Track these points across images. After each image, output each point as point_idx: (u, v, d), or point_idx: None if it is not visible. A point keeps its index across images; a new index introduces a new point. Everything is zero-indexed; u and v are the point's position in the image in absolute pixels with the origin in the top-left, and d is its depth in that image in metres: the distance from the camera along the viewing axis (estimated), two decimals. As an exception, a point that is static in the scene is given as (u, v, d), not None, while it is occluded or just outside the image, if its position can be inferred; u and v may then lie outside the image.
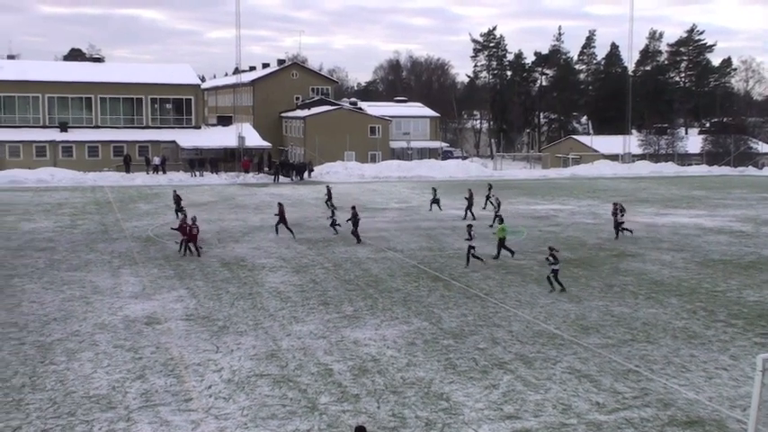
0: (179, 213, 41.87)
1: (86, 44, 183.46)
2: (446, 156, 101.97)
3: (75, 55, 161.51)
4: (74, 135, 77.32)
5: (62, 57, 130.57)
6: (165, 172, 73.10)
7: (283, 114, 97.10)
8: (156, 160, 74.67)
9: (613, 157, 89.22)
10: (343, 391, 17.92)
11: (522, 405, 17.09)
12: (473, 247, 32.01)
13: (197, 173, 73.11)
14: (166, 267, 31.84)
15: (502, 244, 33.51)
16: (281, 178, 71.17)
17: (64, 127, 78.04)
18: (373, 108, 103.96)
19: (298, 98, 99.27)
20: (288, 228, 39.21)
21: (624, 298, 26.90)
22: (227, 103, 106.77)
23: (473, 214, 45.18)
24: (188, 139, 78.55)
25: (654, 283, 29.31)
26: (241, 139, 76.32)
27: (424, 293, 27.48)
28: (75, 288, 28.03)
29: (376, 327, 23.19)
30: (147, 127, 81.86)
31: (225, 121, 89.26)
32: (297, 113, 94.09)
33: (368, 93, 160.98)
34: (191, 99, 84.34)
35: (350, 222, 37.86)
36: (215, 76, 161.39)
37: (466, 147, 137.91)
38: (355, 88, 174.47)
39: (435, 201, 49.60)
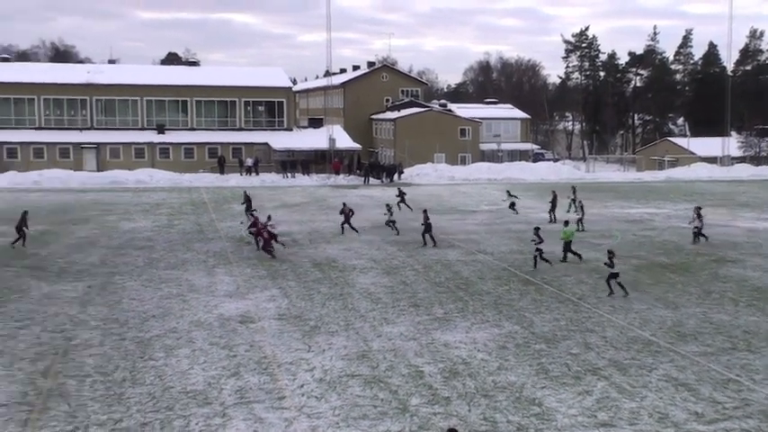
0: (249, 214, 42.45)
1: (183, 48, 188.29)
2: (537, 158, 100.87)
3: (171, 59, 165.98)
4: (170, 137, 79.41)
5: (159, 61, 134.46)
6: (257, 173, 74.38)
7: (373, 116, 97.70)
8: (249, 162, 76.02)
9: (711, 160, 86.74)
10: (434, 393, 17.91)
11: (616, 412, 16.75)
12: (541, 250, 31.78)
13: (289, 174, 74.15)
14: (259, 267, 32.39)
15: (568, 247, 33.22)
16: (371, 180, 71.57)
17: (161, 129, 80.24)
18: (463, 110, 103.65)
19: (388, 100, 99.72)
20: (352, 227, 40.30)
21: (723, 305, 26.09)
22: (318, 105, 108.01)
23: (555, 217, 44.69)
24: (280, 140, 79.76)
25: (755, 289, 28.35)
26: (332, 140, 77.11)
27: (516, 297, 27.23)
28: (172, 286, 28.78)
29: (467, 330, 23.09)
30: (241, 129, 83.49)
31: (316, 123, 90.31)
32: (387, 115, 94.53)
33: (458, 94, 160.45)
34: (283, 101, 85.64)
35: (422, 225, 37.70)
36: (306, 79, 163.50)
37: (557, 149, 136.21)
38: (445, 90, 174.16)
39: (511, 204, 49.62)
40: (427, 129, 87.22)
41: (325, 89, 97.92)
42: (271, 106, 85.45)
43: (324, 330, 23.04)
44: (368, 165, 76.32)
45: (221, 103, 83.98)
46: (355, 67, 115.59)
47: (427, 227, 37.49)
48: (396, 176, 74.04)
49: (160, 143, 78.47)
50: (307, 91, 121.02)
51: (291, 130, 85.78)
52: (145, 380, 18.73)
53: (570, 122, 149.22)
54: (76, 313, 24.80)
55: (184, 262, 33.43)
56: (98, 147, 76.81)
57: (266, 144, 79.07)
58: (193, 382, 18.57)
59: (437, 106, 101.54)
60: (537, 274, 30.82)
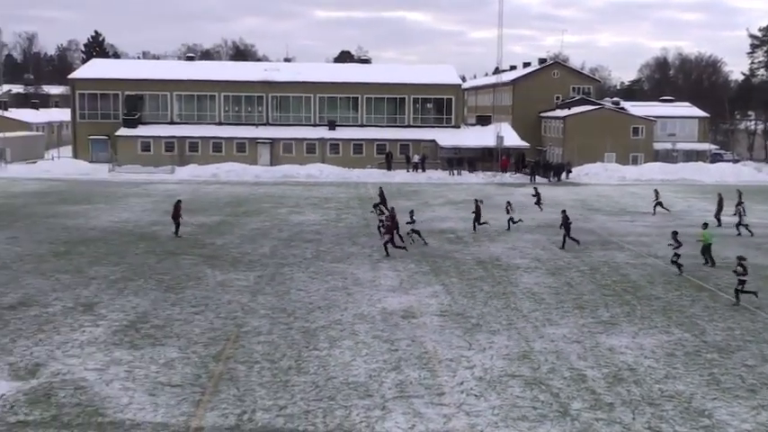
0: (378, 208, 42.99)
1: (355, 46, 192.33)
2: (715, 158, 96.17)
3: (344, 57, 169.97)
4: (341, 133, 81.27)
5: (333, 59, 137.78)
6: (424, 170, 74.90)
7: (542, 114, 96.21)
8: (416, 158, 76.67)
9: None
10: (596, 398, 17.45)
11: (794, 430, 15.76)
12: (678, 255, 30.61)
13: (455, 171, 74.23)
14: (423, 263, 32.61)
15: (708, 250, 32.10)
16: (538, 178, 70.54)
17: (332, 125, 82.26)
18: (637, 108, 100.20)
19: (558, 98, 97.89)
20: (480, 223, 40.70)
21: None
22: (486, 102, 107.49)
23: (720, 221, 42.62)
24: (447, 138, 79.98)
25: None
26: (499, 138, 76.55)
27: (687, 303, 26.10)
28: (337, 279, 29.46)
29: (633, 335, 22.36)
30: (409, 126, 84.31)
31: (484, 120, 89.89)
32: (556, 113, 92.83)
33: (631, 92, 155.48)
34: (451, 99, 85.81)
35: (561, 227, 36.67)
36: (475, 76, 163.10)
37: (738, 149, 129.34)
38: (618, 87, 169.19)
39: (658, 203, 47.86)
40: (598, 127, 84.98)
41: (494, 86, 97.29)
42: (439, 103, 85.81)
43: (485, 329, 22.92)
44: (534, 163, 75.26)
45: (391, 100, 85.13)
46: (526, 64, 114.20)
47: (567, 227, 36.51)
48: (564, 175, 72.65)
49: (331, 139, 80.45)
50: (476, 88, 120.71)
51: (459, 127, 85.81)
52: (309, 369, 19.26)
53: (753, 122, 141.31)
54: (247, 301, 25.84)
55: (350, 255, 34.13)
56: (272, 142, 79.68)
57: (433, 141, 79.50)
58: (355, 374, 18.93)
59: (609, 104, 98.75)
60: (710, 280, 29.44)
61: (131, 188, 60.16)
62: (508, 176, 72.44)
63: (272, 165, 77.15)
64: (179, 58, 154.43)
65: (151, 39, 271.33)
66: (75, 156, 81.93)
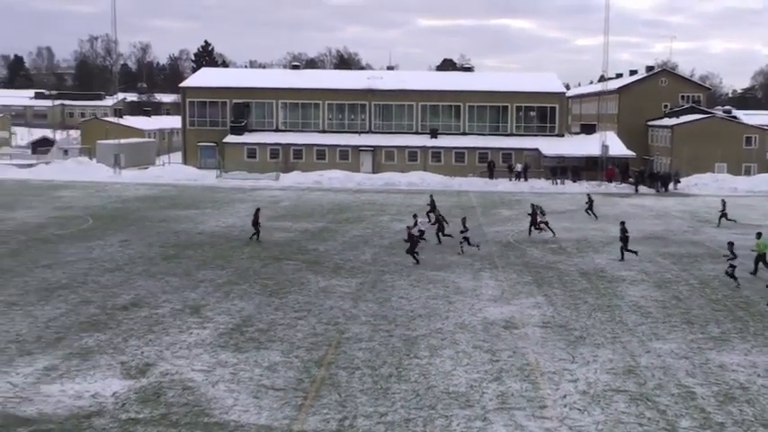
0: (427, 215, 43.04)
1: (458, 55, 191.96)
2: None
3: (446, 65, 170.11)
4: (443, 141, 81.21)
5: (435, 67, 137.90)
6: (526, 179, 74.16)
7: (650, 123, 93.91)
8: (519, 167, 75.96)
9: None
10: (706, 417, 16.89)
11: None
12: (734, 266, 29.87)
13: (558, 181, 73.21)
14: (525, 273, 32.27)
15: (762, 259, 31.66)
16: (644, 188, 68.83)
17: (434, 133, 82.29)
18: (750, 117, 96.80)
19: (666, 106, 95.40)
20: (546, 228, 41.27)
21: None
22: (591, 111, 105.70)
23: None
24: (550, 146, 78.96)
25: None
26: (604, 147, 75.10)
27: (803, 320, 25.01)
28: (439, 287, 29.43)
29: (745, 352, 21.56)
30: (511, 134, 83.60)
31: (588, 129, 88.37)
32: (664, 122, 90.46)
33: (744, 100, 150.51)
34: (555, 107, 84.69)
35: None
36: (580, 84, 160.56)
37: None
38: (730, 95, 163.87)
39: (723, 214, 46.42)
40: (708, 136, 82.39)
41: (599, 94, 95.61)
42: (543, 112, 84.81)
43: (589, 342, 22.50)
44: (638, 173, 73.52)
45: (493, 109, 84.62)
46: (632, 72, 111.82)
47: (625, 240, 35.67)
48: (672, 186, 70.71)
49: (432, 147, 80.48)
50: (580, 96, 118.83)
51: (563, 135, 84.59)
52: (410, 377, 19.29)
53: None
54: (349, 308, 26.07)
55: (451, 264, 34.05)
56: (374, 149, 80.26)
57: (536, 150, 78.62)
58: (456, 384, 18.85)
59: (720, 113, 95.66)
60: (829, 298, 28.12)
61: (237, 194, 61.57)
62: (613, 186, 70.97)
63: (374, 172, 77.73)
64: (284, 67, 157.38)
65: (258, 48, 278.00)
66: (185, 162, 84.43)
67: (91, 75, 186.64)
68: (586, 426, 16.39)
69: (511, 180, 74.49)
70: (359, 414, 16.90)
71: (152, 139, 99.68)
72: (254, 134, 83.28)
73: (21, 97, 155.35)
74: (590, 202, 50.11)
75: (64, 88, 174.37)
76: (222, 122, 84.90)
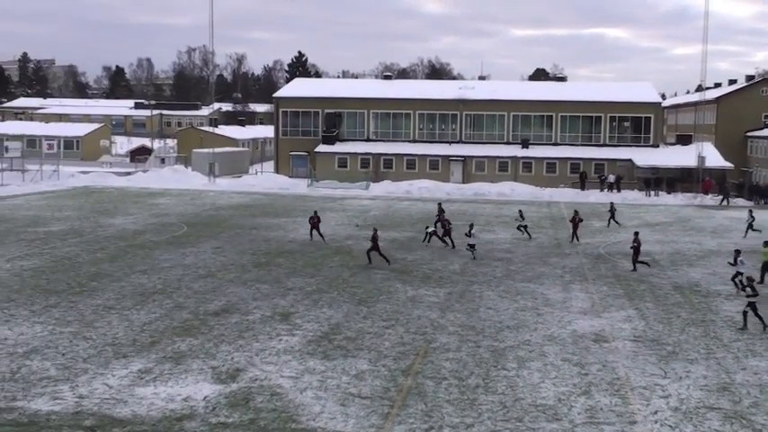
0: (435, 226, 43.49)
1: (551, 64, 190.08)
2: None
3: (538, 75, 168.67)
4: (534, 152, 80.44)
5: (527, 77, 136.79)
6: (619, 190, 72.74)
7: (749, 133, 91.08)
8: (611, 178, 74.61)
9: None
10: (805, 438, 16.26)
11: None
12: (740, 273, 30.14)
13: (652, 192, 71.60)
14: (616, 286, 31.67)
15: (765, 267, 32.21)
16: (736, 200, 66.68)
17: (525, 144, 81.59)
18: None
19: (767, 116, 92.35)
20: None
21: None
22: (687, 121, 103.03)
23: None
24: (644, 157, 77.32)
25: None
26: (701, 158, 73.13)
27: None
28: (527, 299, 29.14)
29: None
30: (604, 145, 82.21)
31: (684, 139, 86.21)
32: (764, 133, 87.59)
33: None
34: (650, 117, 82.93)
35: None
36: (676, 94, 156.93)
37: None
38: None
39: (750, 226, 45.11)
40: (812, 147, 79.39)
41: (696, 104, 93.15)
42: (637, 122, 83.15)
43: (682, 357, 21.93)
44: (737, 185, 71.25)
45: (586, 119, 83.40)
46: (731, 82, 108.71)
47: (635, 250, 35.17)
48: (772, 198, 68.32)
49: (523, 157, 79.80)
50: (676, 106, 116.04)
51: (657, 146, 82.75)
52: (497, 388, 19.15)
53: None
54: (437, 317, 26.06)
55: (540, 276, 33.68)
56: (464, 159, 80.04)
57: (630, 160, 77.09)
58: (544, 396, 18.63)
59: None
60: None
61: (328, 203, 62.23)
62: (709, 199, 68.99)
63: (463, 182, 77.51)
64: (376, 77, 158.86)
65: (351, 58, 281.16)
66: (277, 171, 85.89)
67: (188, 85, 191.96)
68: (678, 444, 15.98)
69: (603, 191, 73.19)
70: (445, 424, 16.87)
71: (245, 149, 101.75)
72: (345, 144, 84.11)
73: (121, 107, 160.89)
74: (612, 210, 50.67)
75: (162, 98, 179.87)
76: (314, 132, 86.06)
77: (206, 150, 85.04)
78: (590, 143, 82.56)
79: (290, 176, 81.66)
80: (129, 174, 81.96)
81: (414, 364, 20.93)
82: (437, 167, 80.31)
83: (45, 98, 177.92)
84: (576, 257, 38.31)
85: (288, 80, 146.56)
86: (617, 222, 49.68)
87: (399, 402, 18.11)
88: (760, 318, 24.84)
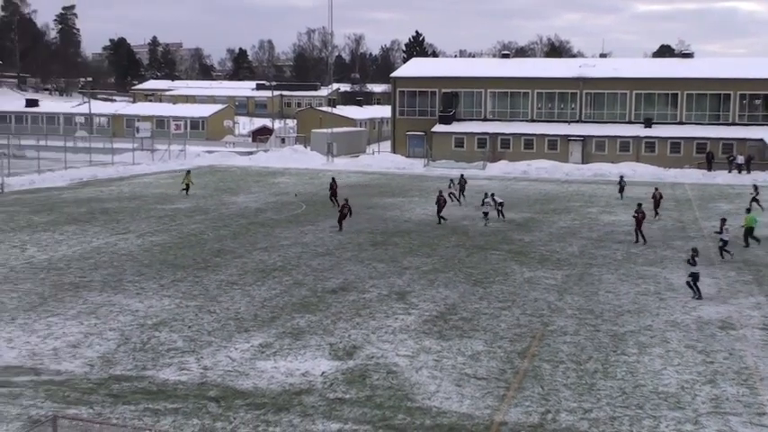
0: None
1: (676, 40, 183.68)
2: None
3: (663, 51, 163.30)
4: (657, 131, 77.96)
5: (651, 54, 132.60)
6: (749, 171, 69.77)
7: None
8: (740, 159, 71.61)
9: None
10: None
11: None
12: (725, 242, 32.45)
13: (784, 173, 68.34)
14: (745, 271, 30.46)
15: (749, 233, 34.77)
16: None
17: (648, 123, 79.12)
18: None
19: None
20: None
21: None
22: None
23: None
24: (777, 137, 73.79)
25: None
26: (839, 138, 69.33)
27: None
28: (649, 283, 28.36)
29: None
30: (734, 124, 78.87)
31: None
32: None
33: None
34: (783, 94, 79.06)
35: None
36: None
37: None
38: None
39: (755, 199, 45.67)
40: None
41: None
42: (769, 100, 79.43)
43: (815, 347, 20.92)
44: None
45: (713, 97, 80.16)
46: None
47: (638, 222, 36.26)
48: None
49: (646, 137, 77.45)
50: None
51: (791, 125, 78.87)
52: (616, 374, 18.76)
53: None
54: (554, 300, 25.69)
55: (663, 259, 32.71)
56: (584, 139, 78.35)
57: (761, 140, 73.73)
58: (666, 384, 18.13)
59: None
60: None
61: (444, 183, 62.05)
62: None
63: (583, 163, 75.92)
64: (494, 56, 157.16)
65: (468, 37, 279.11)
66: (394, 150, 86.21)
67: (307, 66, 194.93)
68: (810, 437, 15.29)
69: (731, 172, 70.36)
70: (562, 408, 16.64)
71: (363, 129, 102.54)
72: (462, 123, 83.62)
73: (243, 88, 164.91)
74: (622, 185, 52.90)
75: (282, 79, 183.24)
76: (431, 112, 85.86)
77: (324, 130, 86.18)
78: (718, 122, 79.33)
79: (406, 156, 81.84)
80: (250, 153, 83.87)
81: (530, 347, 20.72)
82: (555, 147, 78.92)
83: (173, 80, 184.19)
84: (701, 240, 37.01)
85: (405, 60, 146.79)
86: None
87: (516, 385, 17.97)
88: (698, 289, 26.01)
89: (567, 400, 17.07)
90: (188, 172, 52.91)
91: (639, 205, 37.46)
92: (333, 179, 49.23)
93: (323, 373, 18.59)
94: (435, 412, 16.39)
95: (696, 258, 26.49)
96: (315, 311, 23.89)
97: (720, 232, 32.75)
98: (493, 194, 43.15)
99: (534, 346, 20.76)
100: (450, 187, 49.62)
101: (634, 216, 36.93)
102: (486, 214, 41.43)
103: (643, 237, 36.31)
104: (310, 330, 21.94)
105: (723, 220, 33.33)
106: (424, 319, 23.27)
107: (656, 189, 45.48)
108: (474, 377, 18.43)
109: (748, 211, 36.24)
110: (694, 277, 26.18)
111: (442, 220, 41.10)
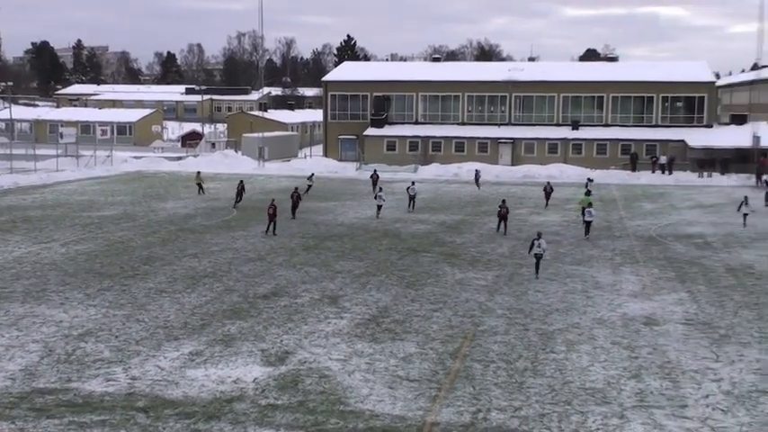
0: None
1: (602, 44, 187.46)
2: None
3: (590, 55, 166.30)
4: (584, 133, 79.47)
5: (578, 57, 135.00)
6: (671, 172, 71.62)
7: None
8: (663, 159, 73.44)
9: None
10: None
11: None
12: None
13: (705, 173, 70.34)
14: (668, 269, 31.26)
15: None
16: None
17: (575, 125, 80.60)
18: None
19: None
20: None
21: None
22: (742, 100, 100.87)
23: None
24: (697, 138, 75.85)
25: None
26: (755, 138, 71.55)
27: None
28: (576, 281, 28.91)
29: None
30: (656, 125, 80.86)
31: (739, 119, 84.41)
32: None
33: None
34: (703, 97, 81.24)
35: None
36: (731, 73, 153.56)
37: None
38: None
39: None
40: None
41: (751, 83, 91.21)
42: (690, 102, 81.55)
43: (734, 340, 21.61)
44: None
45: (637, 99, 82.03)
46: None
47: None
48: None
49: (573, 139, 78.90)
50: (731, 86, 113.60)
51: (711, 126, 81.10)
52: (545, 372, 19.07)
53: None
54: (485, 301, 26.00)
55: (590, 258, 33.37)
56: (514, 141, 79.42)
57: (682, 141, 75.78)
58: (593, 380, 18.51)
59: None
60: None
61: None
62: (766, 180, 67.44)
63: (512, 165, 76.94)
64: (425, 60, 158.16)
65: (399, 41, 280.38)
66: (326, 154, 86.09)
67: (238, 70, 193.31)
68: (730, 427, 15.78)
69: (654, 173, 72.13)
70: (493, 407, 16.86)
71: (295, 133, 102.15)
72: (393, 127, 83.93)
73: (172, 93, 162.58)
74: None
75: (212, 83, 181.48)
76: (363, 115, 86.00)
77: (256, 135, 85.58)
78: (642, 124, 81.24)
79: (338, 160, 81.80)
80: (180, 159, 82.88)
81: (462, 348, 20.93)
82: (486, 150, 79.77)
83: (98, 84, 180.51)
84: (626, 240, 37.88)
85: (336, 64, 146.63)
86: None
87: (447, 385, 18.13)
88: (537, 270, 29.37)
89: (497, 399, 17.30)
90: (198, 173, 55.67)
91: (504, 201, 40.92)
92: (241, 181, 50.82)
93: (255, 379, 18.48)
94: (368, 415, 16.44)
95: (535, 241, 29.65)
96: (246, 318, 23.72)
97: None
98: (381, 189, 47.89)
99: (465, 347, 20.98)
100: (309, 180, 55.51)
101: (499, 209, 40.31)
102: (379, 207, 45.03)
103: (505, 228, 39.66)
104: (242, 337, 21.79)
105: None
106: (356, 322, 23.31)
107: (548, 183, 51.62)
108: (406, 379, 18.53)
109: (588, 194, 42.53)
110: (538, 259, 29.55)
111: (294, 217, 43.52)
